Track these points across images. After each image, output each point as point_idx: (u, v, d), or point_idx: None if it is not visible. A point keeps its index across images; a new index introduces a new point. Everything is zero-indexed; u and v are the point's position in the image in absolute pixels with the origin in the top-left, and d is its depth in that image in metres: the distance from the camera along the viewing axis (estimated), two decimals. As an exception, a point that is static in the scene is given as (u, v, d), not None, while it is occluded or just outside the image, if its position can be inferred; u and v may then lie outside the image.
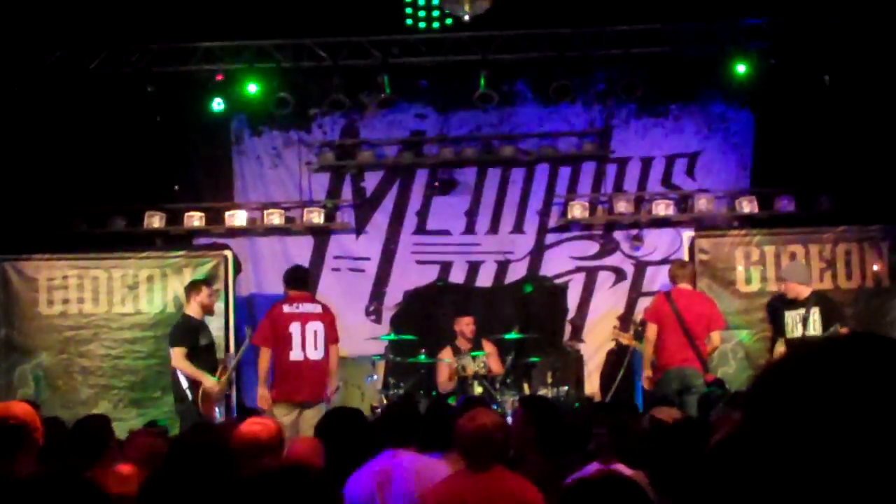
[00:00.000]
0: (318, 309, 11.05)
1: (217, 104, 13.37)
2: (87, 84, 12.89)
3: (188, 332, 11.08)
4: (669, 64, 13.16)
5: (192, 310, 11.24)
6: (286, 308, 10.94)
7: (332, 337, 10.96)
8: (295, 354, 10.82)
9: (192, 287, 11.48)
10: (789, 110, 13.20)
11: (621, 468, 5.34)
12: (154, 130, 13.37)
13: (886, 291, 12.18)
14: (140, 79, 12.90)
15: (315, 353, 10.84)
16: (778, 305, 11.41)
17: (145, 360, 12.35)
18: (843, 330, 10.79)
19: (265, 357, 10.86)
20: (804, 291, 11.04)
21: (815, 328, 10.84)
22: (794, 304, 11.05)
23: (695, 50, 12.95)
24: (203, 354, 11.12)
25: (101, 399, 12.19)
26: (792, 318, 10.99)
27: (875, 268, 12.17)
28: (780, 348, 11.08)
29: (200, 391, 10.85)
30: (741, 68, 12.87)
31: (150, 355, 12.32)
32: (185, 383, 10.93)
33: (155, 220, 13.64)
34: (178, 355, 10.95)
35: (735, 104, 13.80)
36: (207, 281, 11.88)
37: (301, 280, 11.37)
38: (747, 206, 13.32)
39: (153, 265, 12.55)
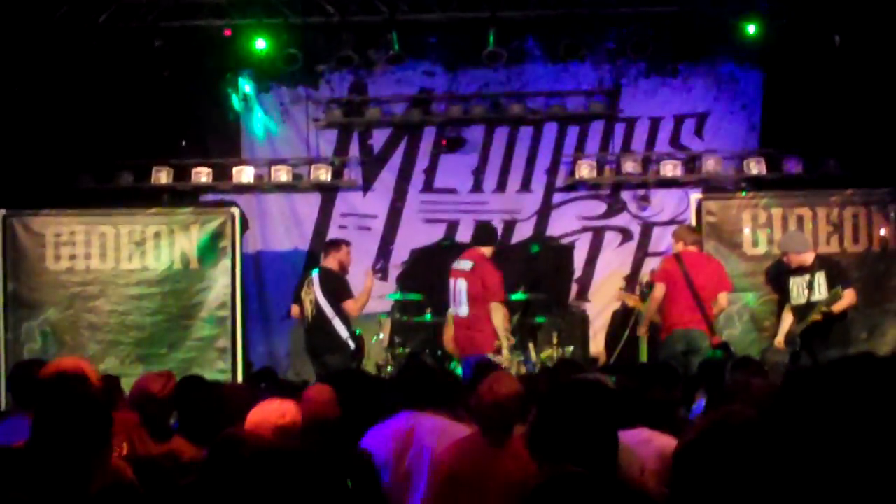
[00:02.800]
0: (466, 266, 10.88)
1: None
2: (94, 38, 12.79)
3: (347, 284, 11.23)
4: (679, 23, 13.07)
5: (332, 264, 11.31)
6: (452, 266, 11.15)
7: (483, 294, 10.72)
8: (451, 311, 11.09)
9: (333, 244, 11.65)
10: (799, 71, 13.13)
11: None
12: (162, 85, 13.31)
13: (893, 255, 12.13)
14: (148, 33, 12.81)
15: (457, 310, 10.94)
16: (781, 272, 11.34)
17: (152, 317, 12.31)
18: (846, 292, 10.76)
19: None
20: (808, 258, 10.96)
21: (819, 292, 10.78)
22: (799, 271, 10.99)
23: (705, 9, 12.81)
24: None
25: (107, 355, 12.16)
26: (797, 284, 10.91)
27: (882, 231, 12.10)
28: (788, 316, 11.05)
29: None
30: (751, 28, 12.77)
31: (157, 311, 12.31)
32: (344, 333, 11.09)
33: (162, 176, 13.62)
34: (355, 305, 11.12)
35: (745, 64, 13.73)
36: (347, 240, 11.90)
37: (478, 237, 11.36)
38: (755, 167, 13.28)
39: (160, 221, 12.48)
